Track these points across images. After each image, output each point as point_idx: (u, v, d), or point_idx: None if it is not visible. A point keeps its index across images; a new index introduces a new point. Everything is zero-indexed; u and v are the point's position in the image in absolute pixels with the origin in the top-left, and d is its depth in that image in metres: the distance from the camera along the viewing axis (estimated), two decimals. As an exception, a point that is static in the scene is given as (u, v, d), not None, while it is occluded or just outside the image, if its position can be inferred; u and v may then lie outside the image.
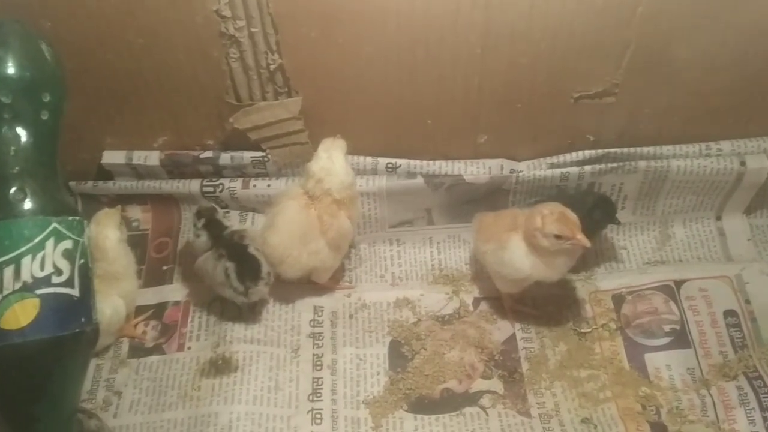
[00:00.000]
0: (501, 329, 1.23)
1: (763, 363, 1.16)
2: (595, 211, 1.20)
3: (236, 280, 1.13)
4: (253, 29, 1.09)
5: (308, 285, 1.25)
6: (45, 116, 0.94)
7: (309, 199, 1.16)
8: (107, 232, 1.14)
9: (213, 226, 1.17)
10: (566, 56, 1.13)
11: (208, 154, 1.28)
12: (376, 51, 1.11)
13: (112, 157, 1.29)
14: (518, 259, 1.12)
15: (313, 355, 1.19)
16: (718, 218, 1.33)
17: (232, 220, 1.30)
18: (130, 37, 1.11)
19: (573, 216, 1.07)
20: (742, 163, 1.24)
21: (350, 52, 1.11)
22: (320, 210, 1.15)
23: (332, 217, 1.14)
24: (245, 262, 1.14)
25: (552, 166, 1.26)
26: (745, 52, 1.13)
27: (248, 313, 1.20)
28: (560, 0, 1.05)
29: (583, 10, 1.06)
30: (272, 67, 1.13)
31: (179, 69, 1.16)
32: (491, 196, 1.28)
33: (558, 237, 1.07)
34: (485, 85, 1.17)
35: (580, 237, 1.05)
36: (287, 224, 1.15)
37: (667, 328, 1.21)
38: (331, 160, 1.14)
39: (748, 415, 1.10)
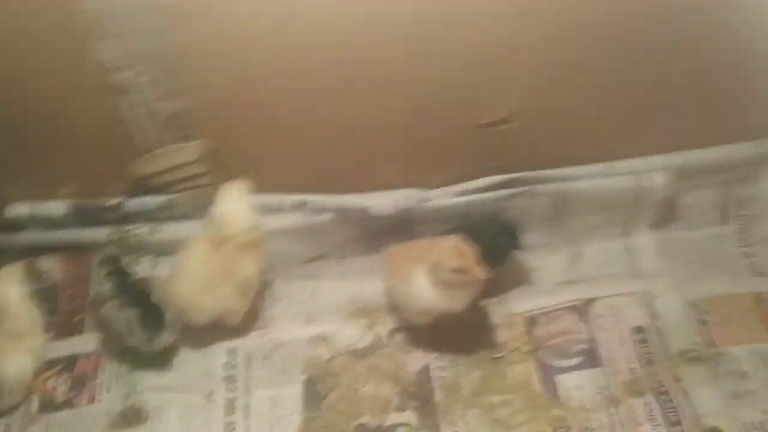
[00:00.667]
0: (416, 359, 1.24)
1: (670, 377, 1.18)
2: (500, 237, 1.22)
3: (139, 330, 1.13)
4: (145, 77, 1.09)
5: (221, 328, 1.24)
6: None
7: (213, 245, 1.15)
8: (9, 290, 1.13)
9: (117, 275, 1.16)
10: (464, 86, 1.14)
11: (115, 201, 1.28)
12: (274, 90, 1.12)
13: (16, 209, 1.28)
14: (422, 293, 1.13)
15: (227, 399, 1.18)
16: (626, 234, 1.35)
17: (144, 266, 1.29)
18: (25, 92, 1.10)
19: (469, 249, 1.08)
20: (644, 181, 1.26)
21: (246, 93, 1.12)
22: (224, 256, 1.14)
23: (236, 263, 1.14)
24: (148, 311, 1.13)
25: (459, 194, 1.28)
26: (638, 73, 1.16)
27: (158, 360, 1.19)
28: (455, 30, 1.06)
29: (476, 41, 1.07)
30: (166, 113, 1.13)
31: (76, 120, 1.16)
32: (401, 227, 1.29)
33: (456, 270, 1.08)
34: (387, 117, 1.19)
35: (476, 270, 1.06)
36: (190, 272, 1.15)
37: (577, 348, 1.22)
38: (232, 206, 1.15)
39: (654, 430, 1.12)
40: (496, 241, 1.21)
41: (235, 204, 1.15)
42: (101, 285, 1.17)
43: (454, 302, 1.13)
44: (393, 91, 1.13)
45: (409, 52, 1.08)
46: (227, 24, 1.03)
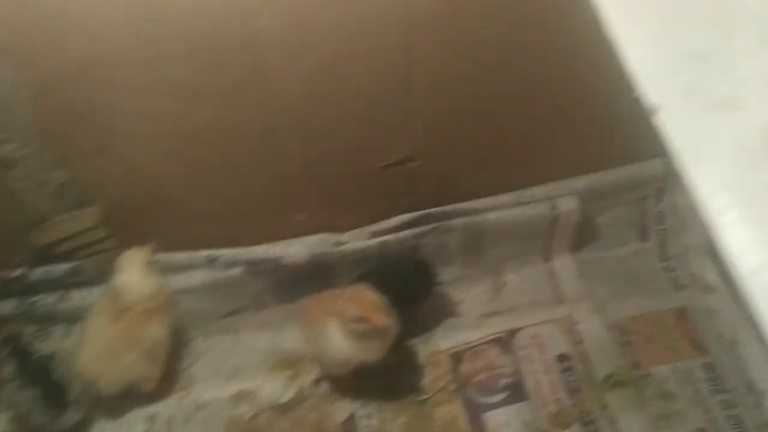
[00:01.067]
0: (341, 409, 1.21)
1: (597, 405, 1.17)
2: (415, 276, 1.20)
3: (43, 409, 1.09)
4: (28, 150, 1.06)
5: (138, 395, 1.21)
6: None
7: (115, 312, 1.12)
8: None
9: (18, 355, 1.12)
10: (356, 132, 1.13)
11: (19, 271, 1.23)
12: (162, 151, 1.09)
13: None
14: (337, 345, 1.11)
15: (149, 468, 1.15)
16: (548, 260, 1.34)
17: (55, 336, 1.25)
18: None
19: (372, 297, 1.06)
20: (554, 207, 1.26)
21: (134, 156, 1.09)
22: (127, 322, 1.11)
23: (141, 329, 1.11)
24: (52, 389, 1.09)
25: (373, 234, 1.26)
26: (535, 102, 1.15)
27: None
28: (331, 79, 1.04)
29: (356, 88, 1.06)
30: (57, 182, 1.10)
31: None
32: (317, 274, 1.26)
33: (357, 320, 1.06)
34: (286, 166, 1.17)
35: (377, 318, 1.04)
36: (94, 342, 1.12)
37: (503, 382, 1.21)
38: (130, 274, 1.12)
39: (584, 462, 1.11)
40: (411, 281, 1.19)
41: (133, 272, 1.13)
42: (3, 366, 1.12)
43: (369, 353, 1.11)
44: (287, 139, 1.11)
45: (295, 107, 1.06)
46: (94, 90, 1.00)
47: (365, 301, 1.06)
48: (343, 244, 1.26)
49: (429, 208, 1.26)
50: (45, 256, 1.21)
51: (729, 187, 0.47)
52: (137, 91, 1.01)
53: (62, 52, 0.96)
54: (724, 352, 1.22)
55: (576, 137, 1.21)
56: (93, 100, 1.02)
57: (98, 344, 1.12)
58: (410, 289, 1.19)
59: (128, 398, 1.19)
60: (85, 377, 1.12)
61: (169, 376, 1.23)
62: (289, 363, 1.27)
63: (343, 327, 1.10)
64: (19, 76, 0.98)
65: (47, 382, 1.10)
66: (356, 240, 1.26)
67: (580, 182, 1.27)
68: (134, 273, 1.12)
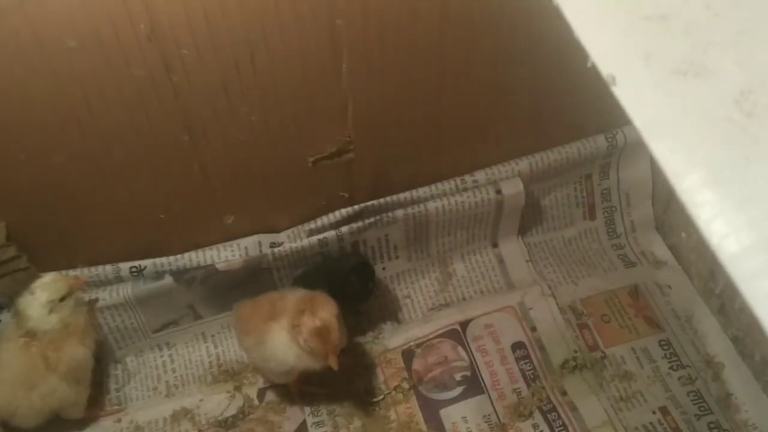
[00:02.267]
0: (291, 418, 1.14)
1: (556, 392, 1.13)
2: (352, 274, 1.13)
3: None
4: None
5: (65, 422, 1.11)
6: None
7: (28, 337, 1.02)
8: None
9: None
10: (284, 125, 1.05)
11: None
12: (68, 156, 0.99)
13: None
14: (281, 352, 1.03)
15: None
16: (495, 245, 1.30)
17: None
18: None
19: (334, 333, 0.99)
20: (498, 192, 1.20)
21: (37, 165, 0.99)
22: (42, 346, 1.01)
23: (59, 350, 1.01)
24: None
25: (311, 232, 1.18)
26: (469, 87, 1.09)
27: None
28: (251, 71, 0.96)
29: (280, 78, 0.98)
30: (-46, 199, 0.99)
31: None
32: (254, 277, 1.18)
33: (317, 338, 0.99)
34: (209, 168, 1.08)
35: (331, 360, 0.98)
36: (5, 371, 1.02)
37: (458, 376, 1.16)
38: (31, 302, 1.03)
39: (547, 453, 1.07)
40: (351, 279, 1.12)
41: (36, 296, 1.03)
42: None
43: (316, 360, 1.03)
44: (207, 137, 1.03)
45: (212, 97, 0.97)
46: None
47: (326, 337, 0.98)
48: (279, 245, 1.18)
49: (368, 201, 1.19)
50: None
51: (703, 164, 0.41)
52: (36, 93, 0.90)
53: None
54: (680, 327, 1.20)
55: (516, 118, 1.16)
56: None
57: (9, 375, 1.02)
58: (351, 287, 1.12)
59: (54, 428, 1.09)
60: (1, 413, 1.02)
61: (98, 400, 1.13)
62: (230, 375, 1.19)
63: (286, 334, 1.02)
64: None
65: None
66: (293, 240, 1.19)
67: (524, 163, 1.22)
68: (35, 297, 1.03)
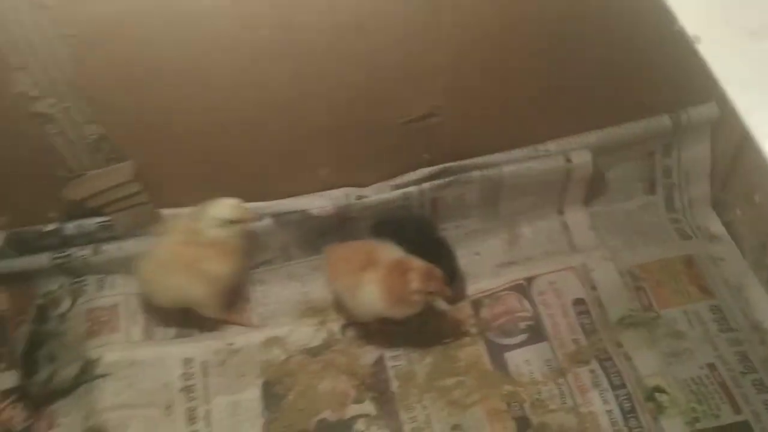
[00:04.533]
0: (370, 352, 1.27)
1: (612, 344, 1.24)
2: (412, 232, 1.27)
3: (19, 366, 1.17)
4: (65, 104, 1.10)
5: (176, 339, 1.28)
6: None
7: (188, 236, 1.20)
8: None
9: (40, 315, 1.19)
10: (383, 86, 1.17)
11: (53, 226, 1.28)
12: (193, 106, 1.13)
13: (-45, 243, 1.26)
14: (371, 301, 1.17)
15: (187, 408, 1.20)
16: (560, 212, 1.41)
17: (90, 287, 1.30)
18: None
19: (437, 270, 1.13)
20: (568, 160, 1.31)
21: (168, 111, 1.14)
22: (197, 249, 1.20)
23: (205, 259, 1.20)
24: (30, 358, 1.16)
25: (395, 187, 1.31)
26: (551, 60, 1.20)
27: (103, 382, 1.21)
28: (359, 35, 1.08)
29: (384, 43, 1.10)
30: (93, 137, 1.14)
31: (4, 150, 1.14)
32: (342, 225, 1.32)
33: (429, 293, 1.13)
34: (312, 122, 1.21)
35: (447, 290, 1.13)
36: (158, 253, 1.22)
37: (523, 325, 1.27)
38: (210, 214, 1.21)
39: (602, 395, 1.18)
40: (421, 230, 1.26)
41: (215, 210, 1.20)
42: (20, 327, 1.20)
43: (405, 312, 1.17)
44: (314, 94, 1.16)
45: (321, 57, 1.11)
46: (132, 50, 1.04)
47: (435, 275, 1.13)
48: (365, 197, 1.31)
49: (448, 162, 1.31)
50: (79, 210, 1.25)
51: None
52: (173, 47, 1.05)
53: (99, 7, 0.99)
54: (730, 295, 1.29)
55: (588, 93, 1.26)
56: (129, 57, 1.06)
57: (158, 258, 1.22)
58: (418, 235, 1.26)
59: (167, 343, 1.27)
60: (143, 286, 1.23)
61: (230, 310, 1.30)
62: (316, 311, 1.32)
63: (381, 284, 1.15)
64: (56, 32, 1.01)
65: (33, 352, 1.16)
66: (378, 193, 1.32)
67: (593, 136, 1.33)
68: (214, 216, 1.20)
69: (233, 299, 1.31)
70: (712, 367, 1.20)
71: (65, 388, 1.19)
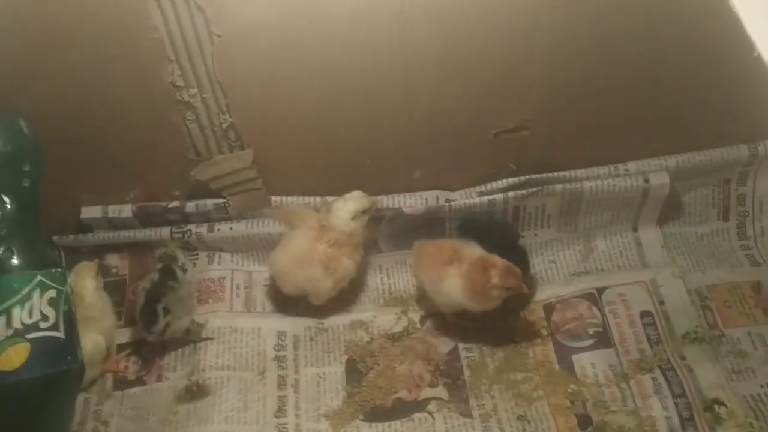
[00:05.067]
0: (445, 342, 1.37)
1: (676, 355, 1.30)
2: (496, 235, 1.37)
3: (139, 318, 1.31)
4: (204, 95, 1.25)
5: (272, 313, 1.42)
6: (26, 183, 1.10)
7: (320, 232, 1.32)
8: (85, 282, 1.29)
9: (166, 273, 1.32)
10: (480, 98, 1.29)
11: (176, 204, 1.43)
12: (311, 104, 1.27)
13: (89, 212, 1.44)
14: (454, 293, 1.28)
15: (278, 376, 1.33)
16: (635, 230, 1.49)
17: (202, 261, 1.45)
18: (95, 109, 1.27)
19: (516, 269, 1.23)
20: (646, 180, 1.40)
21: (289, 107, 1.28)
22: (328, 247, 1.32)
23: (336, 255, 1.33)
24: (150, 309, 1.29)
25: (481, 194, 1.42)
26: (637, 83, 1.30)
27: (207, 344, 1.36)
28: (465, 48, 1.21)
29: (486, 58, 1.22)
30: (224, 125, 1.30)
31: (143, 133, 1.31)
32: (429, 224, 1.43)
33: (506, 288, 1.24)
34: (413, 127, 1.33)
35: (524, 287, 1.23)
36: (293, 247, 1.34)
37: (591, 331, 1.36)
38: (343, 207, 1.33)
39: (662, 402, 1.24)
40: (500, 233, 1.37)
41: (347, 207, 1.33)
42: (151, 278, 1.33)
43: (482, 306, 1.28)
44: (419, 101, 1.28)
45: (429, 69, 1.23)
46: (267, 50, 1.19)
47: (514, 272, 1.23)
48: (453, 200, 1.42)
49: (532, 174, 1.42)
50: (201, 190, 1.41)
51: None
52: (305, 50, 1.19)
53: (247, 13, 1.15)
54: (796, 321, 1.34)
55: (671, 118, 1.35)
56: (263, 57, 1.21)
57: (294, 251, 1.33)
58: (501, 239, 1.36)
59: (265, 316, 1.41)
60: (274, 272, 1.37)
61: (335, 299, 1.41)
62: (399, 301, 1.44)
63: (464, 278, 1.26)
64: (206, 31, 1.17)
65: (153, 304, 1.29)
66: (465, 198, 1.43)
67: (672, 160, 1.41)
68: (346, 207, 1.33)
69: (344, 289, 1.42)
70: (772, 387, 1.25)
71: (177, 339, 1.34)
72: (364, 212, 1.34)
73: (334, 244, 1.33)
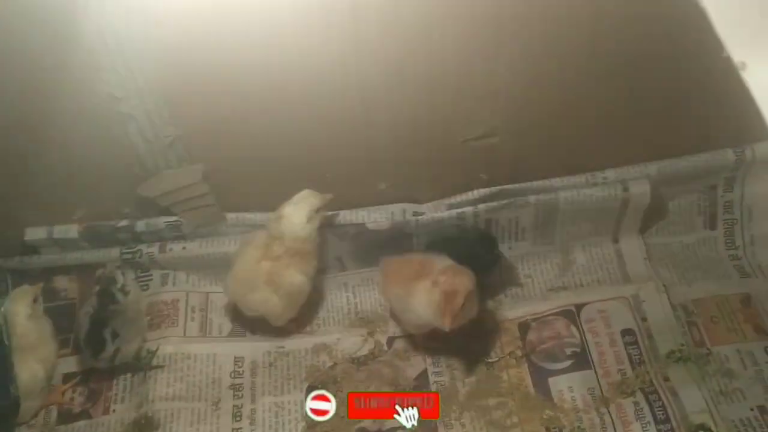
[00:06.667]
0: (414, 365, 1.29)
1: (659, 377, 1.22)
2: (478, 245, 1.28)
3: (84, 345, 1.24)
4: (147, 107, 1.17)
5: (229, 338, 1.34)
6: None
7: (266, 249, 1.24)
8: (17, 309, 1.21)
9: (104, 296, 1.24)
10: (444, 106, 1.21)
11: (125, 222, 1.35)
12: (263, 116, 1.19)
13: (34, 234, 1.36)
14: (422, 308, 1.18)
15: (233, 406, 1.25)
16: (615, 241, 1.40)
17: (155, 282, 1.37)
18: (34, 124, 1.18)
19: (460, 300, 1.12)
20: (626, 189, 1.31)
21: (239, 119, 1.19)
22: (273, 262, 1.24)
23: (284, 270, 1.24)
24: (97, 335, 1.22)
25: (450, 207, 1.34)
26: (612, 88, 1.21)
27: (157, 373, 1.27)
28: (425, 55, 1.12)
29: (447, 63, 1.14)
30: (169, 138, 1.21)
31: (84, 147, 1.23)
32: (396, 240, 1.35)
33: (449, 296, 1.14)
34: (375, 137, 1.25)
35: (445, 320, 1.12)
36: (239, 270, 1.26)
37: (569, 351, 1.27)
38: (294, 209, 1.24)
39: (644, 428, 1.16)
40: (476, 249, 1.28)
41: (297, 210, 1.24)
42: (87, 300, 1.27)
43: (452, 322, 1.18)
44: (379, 110, 1.20)
45: (387, 76, 1.15)
46: (211, 58, 1.10)
47: (452, 300, 1.13)
48: (421, 214, 1.34)
49: (504, 184, 1.33)
50: (150, 208, 1.32)
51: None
52: (250, 59, 1.11)
53: (187, 18, 1.06)
54: (788, 338, 1.26)
55: (651, 123, 1.26)
56: (208, 64, 1.12)
57: (241, 274, 1.26)
58: (476, 256, 1.26)
59: (222, 341, 1.33)
60: (230, 299, 1.30)
61: (296, 319, 1.33)
62: (365, 322, 1.36)
63: (427, 294, 1.17)
64: (143, 37, 1.08)
65: (97, 330, 1.22)
66: (434, 211, 1.34)
67: (653, 167, 1.32)
68: (297, 210, 1.24)
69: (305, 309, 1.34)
70: (762, 409, 1.17)
71: (127, 366, 1.27)
72: (317, 211, 1.26)
73: (280, 258, 1.24)
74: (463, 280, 1.14)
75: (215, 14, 1.05)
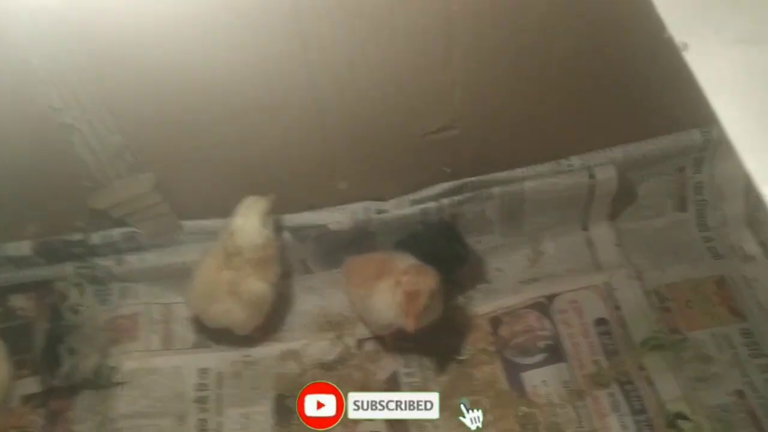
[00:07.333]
0: (384, 368, 1.26)
1: (634, 367, 1.19)
2: (445, 242, 1.25)
3: (40, 362, 1.21)
4: (89, 117, 1.12)
5: (193, 349, 1.30)
6: None
7: (224, 259, 1.20)
8: None
9: (55, 314, 1.22)
10: (398, 100, 1.16)
11: (79, 236, 1.30)
12: (213, 121, 1.14)
13: (-17, 252, 1.31)
14: (384, 308, 1.15)
15: (199, 420, 1.21)
16: (585, 228, 1.37)
17: (114, 296, 1.33)
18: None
19: (422, 300, 1.09)
20: (592, 176, 1.28)
21: (187, 124, 1.15)
22: (233, 271, 1.20)
23: (245, 279, 1.20)
24: (52, 352, 1.20)
25: (414, 202, 1.30)
26: (571, 74, 1.18)
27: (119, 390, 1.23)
28: (375, 50, 1.08)
29: (399, 56, 1.09)
30: (116, 147, 1.16)
31: (30, 161, 1.18)
32: (359, 239, 1.31)
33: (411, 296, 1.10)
34: (331, 137, 1.21)
35: (409, 321, 1.09)
36: (199, 283, 1.22)
37: (541, 344, 1.24)
38: (245, 219, 1.20)
39: (621, 420, 1.14)
40: (444, 246, 1.24)
41: (248, 218, 1.20)
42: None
43: (416, 322, 1.14)
44: (332, 108, 1.16)
45: (338, 73, 1.10)
46: (152, 63, 1.05)
47: (414, 300, 1.09)
48: (384, 211, 1.30)
49: (468, 177, 1.29)
50: (104, 220, 1.28)
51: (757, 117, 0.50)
52: (194, 61, 1.06)
53: (123, 23, 1.01)
54: (764, 318, 1.23)
55: (613, 107, 1.23)
56: (149, 70, 1.07)
57: (201, 287, 1.22)
58: (443, 254, 1.23)
59: (184, 353, 1.29)
60: (192, 311, 1.26)
61: (262, 327, 1.29)
62: (333, 325, 1.32)
63: (390, 293, 1.13)
64: (77, 46, 1.03)
65: (51, 348, 1.20)
66: (397, 208, 1.30)
67: (618, 151, 1.29)
68: (248, 219, 1.20)
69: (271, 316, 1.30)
70: (740, 394, 1.15)
71: (86, 383, 1.23)
72: (267, 214, 1.21)
73: (241, 267, 1.20)
74: (426, 280, 1.11)
75: (152, 17, 1.00)
